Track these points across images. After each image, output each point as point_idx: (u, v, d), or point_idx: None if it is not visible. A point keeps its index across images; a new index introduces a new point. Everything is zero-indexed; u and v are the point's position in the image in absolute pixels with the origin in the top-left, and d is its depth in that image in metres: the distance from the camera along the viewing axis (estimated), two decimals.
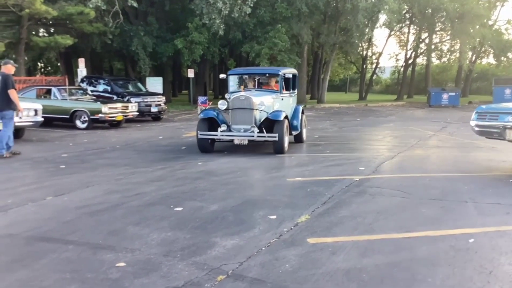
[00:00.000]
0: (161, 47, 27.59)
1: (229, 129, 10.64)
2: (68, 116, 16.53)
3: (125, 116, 17.37)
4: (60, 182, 7.66)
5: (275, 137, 10.25)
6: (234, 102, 10.62)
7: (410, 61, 45.81)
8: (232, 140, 10.79)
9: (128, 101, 18.82)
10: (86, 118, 16.39)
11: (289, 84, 12.46)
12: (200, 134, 10.57)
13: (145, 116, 20.05)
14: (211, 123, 10.78)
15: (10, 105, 10.14)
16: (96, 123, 16.52)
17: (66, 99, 16.91)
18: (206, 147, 10.83)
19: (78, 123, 16.51)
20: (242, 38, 28.60)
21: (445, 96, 32.97)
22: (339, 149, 11.79)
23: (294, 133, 11.98)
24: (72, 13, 21.40)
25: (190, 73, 27.61)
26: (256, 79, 12.40)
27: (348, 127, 17.91)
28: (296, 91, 13.22)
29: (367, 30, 33.83)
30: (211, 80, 48.69)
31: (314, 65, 43.83)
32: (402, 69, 48.23)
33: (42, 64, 46.01)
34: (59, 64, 37.11)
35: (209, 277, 3.88)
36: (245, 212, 5.92)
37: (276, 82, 11.95)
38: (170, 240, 4.81)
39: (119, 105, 17.31)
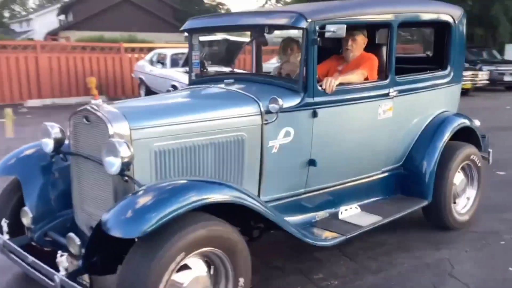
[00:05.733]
0: None
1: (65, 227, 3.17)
2: None
3: (474, 84, 16.98)
4: None
5: None
6: (75, 127, 3.06)
7: None
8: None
9: (480, 69, 18.25)
10: None
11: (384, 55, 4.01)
12: None
13: (497, 85, 18.74)
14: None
15: None
16: None
17: None
18: None
19: None
20: None
21: None
22: None
23: (416, 204, 4.11)
24: None
25: None
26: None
27: None
28: (449, 71, 4.48)
29: None
30: None
31: None
32: None
33: None
34: None
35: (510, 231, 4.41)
36: None
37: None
38: (486, 197, 4.95)
39: (468, 73, 16.83)
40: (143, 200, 2.48)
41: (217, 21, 4.13)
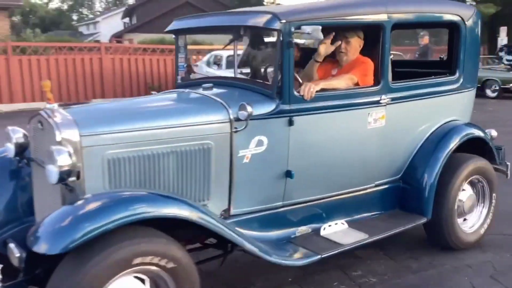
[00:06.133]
0: None
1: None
2: (479, 85, 15.83)
3: None
4: None
5: None
6: (34, 132, 2.95)
7: None
8: None
9: None
10: (497, 87, 15.89)
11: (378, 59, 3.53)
12: None
13: None
14: None
15: None
16: (506, 92, 15.87)
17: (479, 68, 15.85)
18: None
19: (488, 92, 16.03)
20: None
21: None
22: None
23: (413, 220, 3.70)
24: None
25: None
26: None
27: None
28: (458, 76, 4.03)
29: None
30: None
31: None
32: None
33: None
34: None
35: None
36: None
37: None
38: None
39: None
40: (74, 212, 2.34)
41: (200, 21, 3.84)
